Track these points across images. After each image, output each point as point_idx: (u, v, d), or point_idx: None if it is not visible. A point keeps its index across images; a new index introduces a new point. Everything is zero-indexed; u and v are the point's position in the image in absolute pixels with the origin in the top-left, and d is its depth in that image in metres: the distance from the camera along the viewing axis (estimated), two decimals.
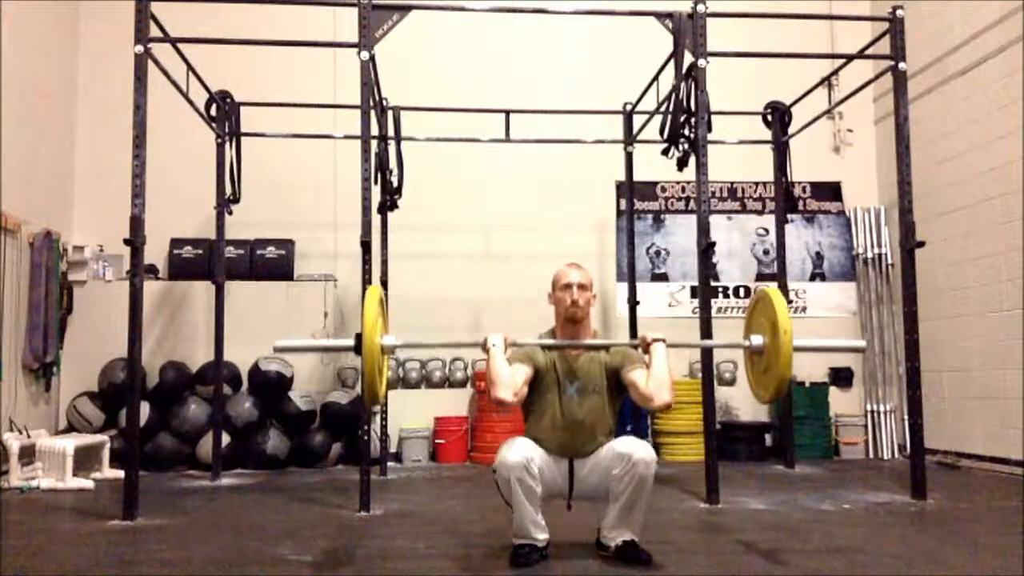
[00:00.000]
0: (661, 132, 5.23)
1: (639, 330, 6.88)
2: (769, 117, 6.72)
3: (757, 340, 3.32)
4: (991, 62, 6.36)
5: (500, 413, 6.99)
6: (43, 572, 3.38)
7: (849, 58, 6.02)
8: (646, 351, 3.32)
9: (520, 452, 3.19)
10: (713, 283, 7.61)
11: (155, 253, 6.97)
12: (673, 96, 5.12)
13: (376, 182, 5.96)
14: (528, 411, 3.44)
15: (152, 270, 7.22)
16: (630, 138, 6.93)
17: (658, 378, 3.21)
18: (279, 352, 3.14)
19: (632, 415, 6.77)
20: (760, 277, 7.99)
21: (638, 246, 7.47)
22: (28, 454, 5.70)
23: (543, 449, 3.32)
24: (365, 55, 4.75)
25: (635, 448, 3.21)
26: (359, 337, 3.07)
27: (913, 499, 4.90)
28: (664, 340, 3.29)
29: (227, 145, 6.33)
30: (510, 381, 3.20)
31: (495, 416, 7.08)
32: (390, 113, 6.42)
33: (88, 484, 5.67)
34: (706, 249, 4.85)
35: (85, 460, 6.04)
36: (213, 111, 6.20)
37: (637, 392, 3.27)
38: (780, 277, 6.68)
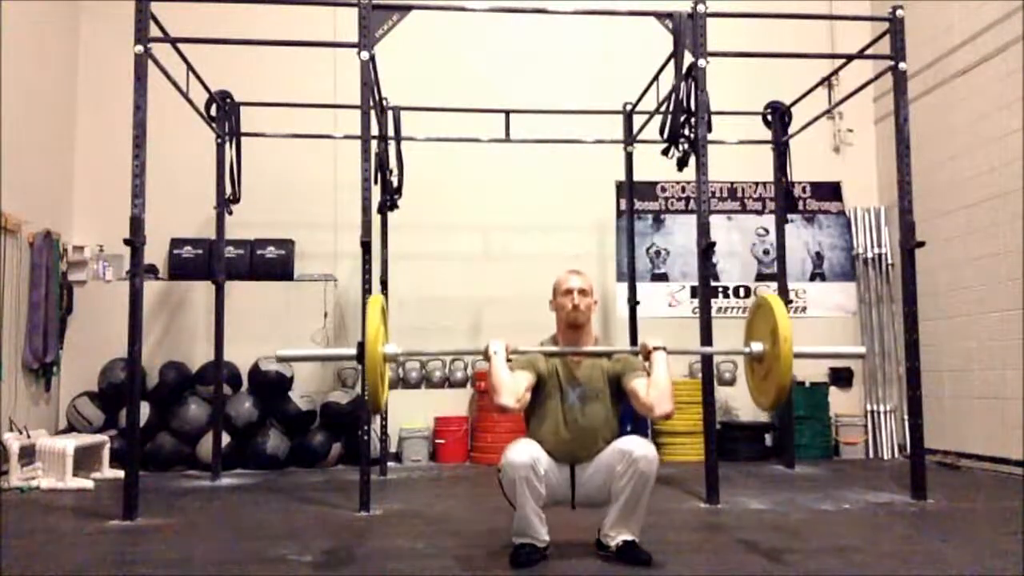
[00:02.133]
0: (661, 132, 5.23)
1: (639, 330, 6.89)
2: (769, 117, 6.72)
3: (757, 347, 3.33)
4: (991, 62, 6.36)
5: (500, 413, 6.99)
6: (43, 572, 3.37)
7: (849, 58, 6.02)
8: (647, 359, 3.32)
9: (527, 452, 3.19)
10: (713, 283, 7.61)
11: (155, 253, 6.97)
12: (673, 96, 5.12)
13: (376, 182, 5.96)
14: (530, 417, 3.44)
15: (152, 270, 7.21)
16: (630, 138, 6.93)
17: (659, 387, 3.21)
18: (282, 361, 3.17)
19: (632, 416, 6.76)
20: (760, 277, 7.99)
21: (638, 246, 7.47)
22: (28, 454, 5.70)
23: (546, 453, 3.33)
24: (365, 55, 4.75)
25: (637, 445, 3.22)
26: (361, 346, 3.10)
27: (913, 499, 4.90)
28: (664, 348, 3.30)
29: (227, 145, 6.33)
30: (512, 387, 3.20)
31: (495, 416, 7.07)
32: (390, 113, 6.43)
33: (88, 484, 5.67)
34: (706, 249, 4.85)
35: (85, 460, 6.04)
36: (213, 111, 6.20)
37: (638, 401, 3.27)
38: (780, 277, 6.69)
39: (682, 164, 5.17)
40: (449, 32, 7.69)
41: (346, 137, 6.78)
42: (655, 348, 3.29)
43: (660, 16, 5.03)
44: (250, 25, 6.67)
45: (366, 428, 4.73)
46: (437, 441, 7.28)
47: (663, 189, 8.01)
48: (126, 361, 4.91)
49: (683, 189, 7.97)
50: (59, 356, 6.84)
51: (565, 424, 3.35)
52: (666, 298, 7.90)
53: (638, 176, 7.10)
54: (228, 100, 6.30)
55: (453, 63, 7.86)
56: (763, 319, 3.33)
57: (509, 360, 3.28)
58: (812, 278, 8.03)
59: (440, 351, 3.14)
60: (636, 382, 3.30)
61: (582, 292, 3.41)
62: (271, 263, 7.34)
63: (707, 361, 5.04)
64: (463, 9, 5.74)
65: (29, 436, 5.86)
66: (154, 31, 4.78)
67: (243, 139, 6.48)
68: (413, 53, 7.26)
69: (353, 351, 3.17)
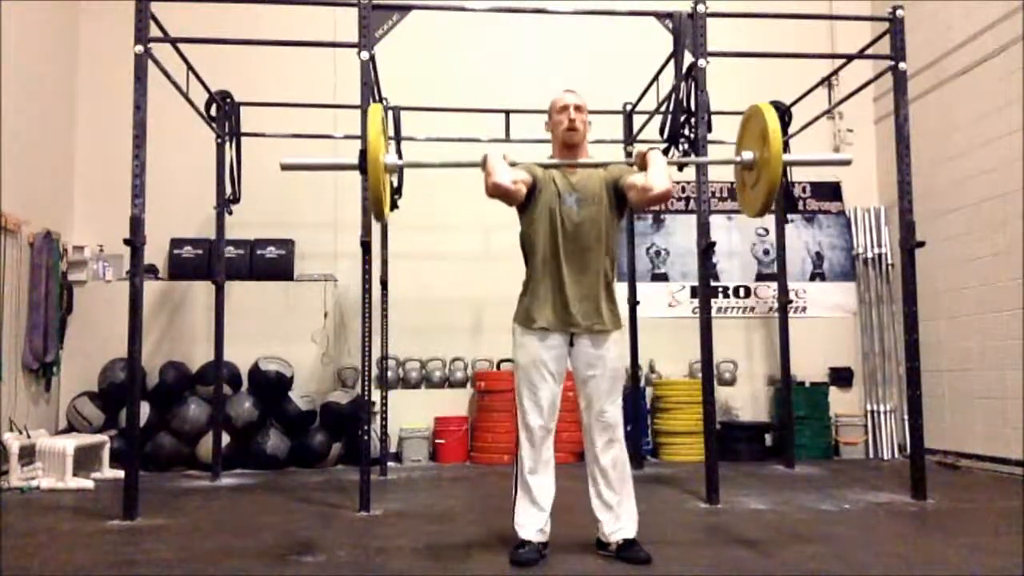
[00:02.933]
0: (661, 132, 5.23)
1: (639, 331, 6.88)
2: None
3: (748, 155, 3.37)
4: (991, 62, 6.36)
5: (499, 413, 7.01)
6: (43, 572, 3.38)
7: (849, 58, 6.02)
8: (643, 168, 3.35)
9: (537, 412, 3.30)
10: (713, 283, 7.61)
11: (155, 253, 6.97)
12: (673, 96, 5.12)
13: None
14: (526, 239, 3.46)
15: (152, 270, 7.21)
16: (630, 138, 6.92)
17: (656, 170, 3.26)
18: (286, 169, 3.23)
19: (632, 416, 6.77)
20: (760, 277, 7.99)
21: (638, 246, 7.47)
22: (28, 454, 5.70)
23: (543, 332, 3.33)
24: (365, 55, 4.75)
25: (604, 409, 3.33)
26: (363, 155, 3.14)
27: (913, 499, 4.90)
28: (659, 150, 3.41)
29: (227, 145, 6.33)
30: (507, 171, 3.26)
31: (495, 416, 7.08)
32: (390, 113, 6.42)
33: (88, 484, 5.67)
34: (706, 249, 4.84)
35: (85, 460, 6.04)
36: (213, 111, 6.20)
37: (636, 190, 3.31)
38: (780, 277, 6.69)
39: (682, 164, 5.16)
40: (449, 32, 7.69)
41: (346, 137, 6.78)
42: (650, 150, 3.37)
43: (660, 16, 5.03)
44: (250, 25, 6.68)
45: (366, 428, 4.73)
46: (437, 441, 7.28)
47: None
48: (126, 361, 4.91)
49: (683, 189, 7.97)
50: (59, 356, 6.84)
51: (562, 227, 3.37)
52: (666, 298, 7.90)
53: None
54: (228, 100, 6.29)
55: (453, 63, 7.86)
56: (754, 125, 3.36)
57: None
58: (812, 278, 8.03)
59: (440, 162, 3.09)
60: (633, 176, 3.36)
61: (578, 108, 3.44)
62: (271, 263, 7.34)
63: (707, 361, 5.03)
64: (463, 9, 5.74)
65: (29, 436, 5.86)
66: (154, 31, 4.78)
67: (243, 139, 6.47)
68: (413, 53, 7.26)
69: (356, 161, 3.22)
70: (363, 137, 3.21)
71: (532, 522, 3.28)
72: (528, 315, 3.40)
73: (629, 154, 6.96)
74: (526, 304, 3.43)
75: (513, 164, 3.36)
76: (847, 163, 3.55)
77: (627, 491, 3.35)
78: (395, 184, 6.53)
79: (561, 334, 3.36)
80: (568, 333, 3.37)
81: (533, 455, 3.35)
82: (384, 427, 6.51)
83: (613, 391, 3.38)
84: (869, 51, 5.70)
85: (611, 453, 3.34)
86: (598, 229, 3.38)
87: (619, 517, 3.33)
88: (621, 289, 7.53)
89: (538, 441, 3.35)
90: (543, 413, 3.33)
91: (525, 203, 3.39)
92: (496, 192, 3.25)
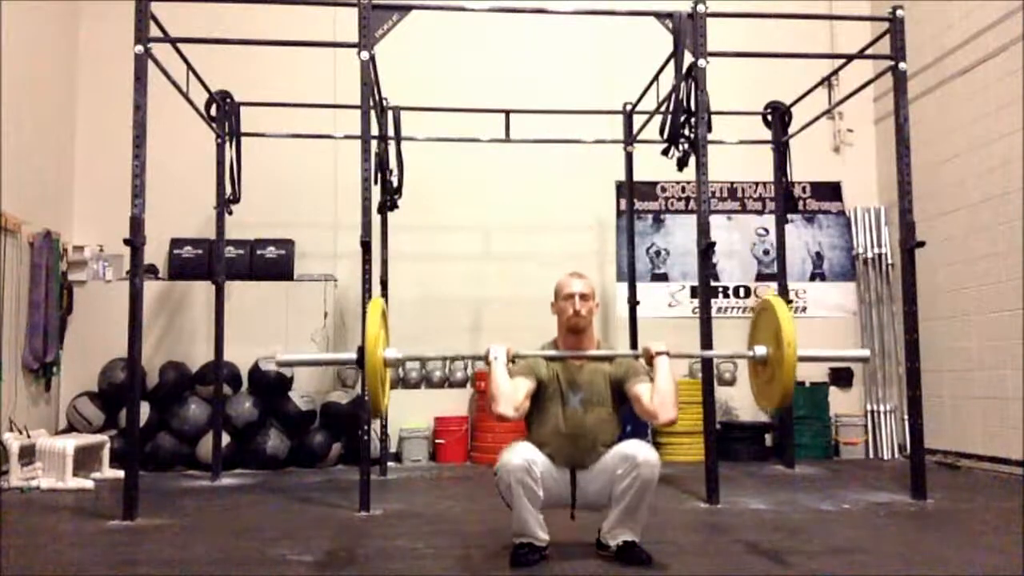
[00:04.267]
0: (661, 132, 5.23)
1: (639, 331, 6.89)
2: (769, 117, 6.71)
3: (761, 351, 3.32)
4: (991, 62, 6.36)
5: (499, 422, 7.02)
6: (43, 572, 3.38)
7: (849, 58, 6.02)
8: (649, 363, 3.32)
9: (522, 455, 3.18)
10: (713, 283, 7.61)
11: (155, 253, 6.97)
12: (673, 96, 5.12)
13: (376, 182, 5.96)
14: (531, 421, 3.43)
15: (152, 270, 7.21)
16: (630, 138, 6.92)
17: (662, 394, 3.20)
18: (282, 367, 3.17)
19: (631, 417, 6.76)
20: (760, 277, 7.99)
21: (638, 246, 7.47)
22: (28, 454, 5.70)
23: (546, 456, 3.31)
24: (365, 55, 4.75)
25: (639, 450, 3.21)
26: (361, 351, 3.07)
27: (913, 499, 4.90)
28: (667, 352, 3.28)
29: (227, 145, 6.32)
30: (511, 396, 3.19)
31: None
32: (390, 113, 6.42)
33: (88, 484, 5.67)
34: (706, 249, 4.85)
35: (85, 460, 6.04)
36: (213, 111, 6.20)
37: (641, 407, 3.27)
38: (780, 277, 6.69)
39: (682, 164, 5.16)
40: (449, 32, 7.69)
41: (346, 137, 6.78)
42: (658, 353, 3.27)
43: (660, 16, 5.03)
44: (250, 25, 6.68)
45: (366, 428, 4.72)
46: (437, 441, 7.28)
47: (663, 189, 8.01)
48: (126, 361, 4.91)
49: (683, 189, 7.97)
50: (59, 356, 6.84)
51: (566, 428, 3.34)
52: (666, 298, 7.90)
53: (638, 176, 7.10)
54: (228, 100, 6.29)
55: (453, 63, 7.86)
56: (767, 322, 3.33)
57: (511, 363, 3.26)
58: (812, 278, 8.03)
59: (440, 355, 3.15)
60: (639, 387, 3.29)
61: (583, 297, 3.39)
62: (271, 263, 7.33)
63: (707, 362, 5.04)
64: (463, 9, 5.74)
65: (29, 436, 5.86)
66: (154, 31, 4.78)
67: (243, 139, 6.47)
68: (413, 53, 7.26)
69: (353, 355, 3.14)
70: (363, 332, 3.14)
71: (533, 523, 3.26)
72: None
73: (630, 155, 6.97)
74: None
75: (518, 356, 3.29)
76: (865, 360, 3.55)
77: (644, 507, 3.29)
78: (396, 184, 6.53)
79: (564, 468, 3.35)
80: (570, 469, 3.36)
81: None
82: (384, 427, 6.51)
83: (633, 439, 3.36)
84: (869, 51, 5.70)
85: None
86: (601, 428, 3.37)
87: (624, 521, 3.31)
88: (621, 289, 7.61)
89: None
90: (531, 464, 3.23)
91: (531, 407, 3.33)
92: (500, 421, 3.24)
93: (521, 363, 3.33)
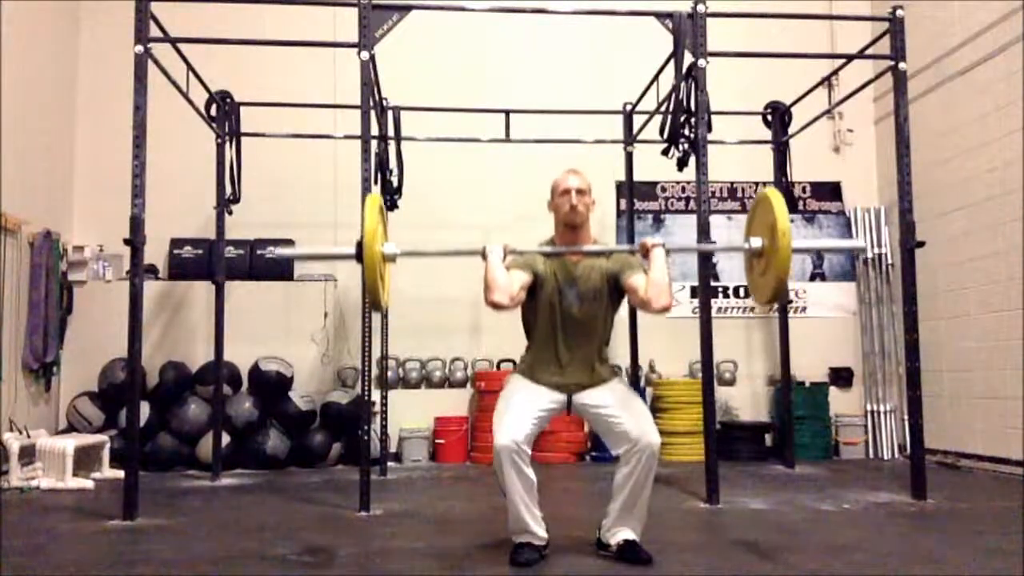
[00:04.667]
0: (661, 132, 5.23)
1: (639, 330, 6.89)
2: (769, 117, 6.72)
3: (756, 242, 3.36)
4: (991, 62, 6.36)
5: (494, 310, 7.03)
6: (43, 572, 3.38)
7: (849, 58, 6.02)
8: (645, 256, 3.34)
9: (508, 432, 3.14)
10: (713, 283, 7.61)
11: (155, 253, 6.97)
12: (673, 96, 5.12)
13: (376, 182, 5.96)
14: (528, 323, 3.46)
15: (152, 270, 7.21)
16: (630, 138, 6.93)
17: (657, 283, 3.23)
18: (281, 258, 3.25)
19: None
20: None
21: None
22: (28, 454, 5.70)
23: (541, 385, 3.32)
24: (365, 55, 4.75)
25: (643, 431, 3.19)
26: (360, 245, 3.10)
27: (913, 499, 4.90)
28: (663, 245, 3.33)
29: (227, 145, 6.33)
30: (506, 286, 3.22)
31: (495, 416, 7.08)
32: (390, 113, 6.42)
33: (88, 484, 5.67)
34: None
35: (85, 460, 6.04)
36: (213, 111, 6.20)
37: (636, 297, 3.30)
38: None
39: (682, 164, 5.17)
40: (449, 32, 7.69)
41: (346, 137, 6.77)
42: (653, 245, 3.32)
43: (660, 16, 5.03)
44: (250, 25, 6.68)
45: (366, 428, 4.73)
46: (437, 441, 7.28)
47: (663, 189, 8.01)
48: (126, 361, 4.91)
49: (683, 189, 7.97)
50: (59, 356, 6.84)
51: (562, 322, 3.36)
52: None
53: (638, 176, 7.10)
54: (228, 100, 6.29)
55: (453, 63, 7.85)
56: (763, 214, 3.33)
57: (507, 258, 3.30)
58: (812, 278, 8.03)
59: (440, 250, 3.18)
60: (635, 279, 3.32)
61: (580, 192, 3.42)
62: (271, 263, 7.32)
63: (707, 361, 5.03)
64: (463, 9, 5.74)
65: (29, 436, 5.86)
66: (154, 31, 4.77)
67: (243, 139, 6.47)
68: (413, 53, 7.26)
69: (352, 249, 3.15)
70: (361, 225, 3.18)
71: (528, 517, 3.24)
72: (531, 372, 3.41)
73: (630, 155, 6.98)
74: (528, 362, 3.46)
75: (514, 252, 3.32)
76: (861, 249, 3.59)
77: (643, 500, 3.29)
78: (396, 184, 6.53)
79: (560, 392, 3.37)
80: (566, 393, 3.37)
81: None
82: (384, 427, 6.51)
83: (636, 407, 3.34)
84: (869, 51, 5.70)
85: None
86: (596, 323, 3.40)
87: (625, 517, 3.31)
88: None
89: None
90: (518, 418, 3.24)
91: (527, 305, 3.38)
92: (495, 309, 3.26)
93: (518, 258, 3.36)
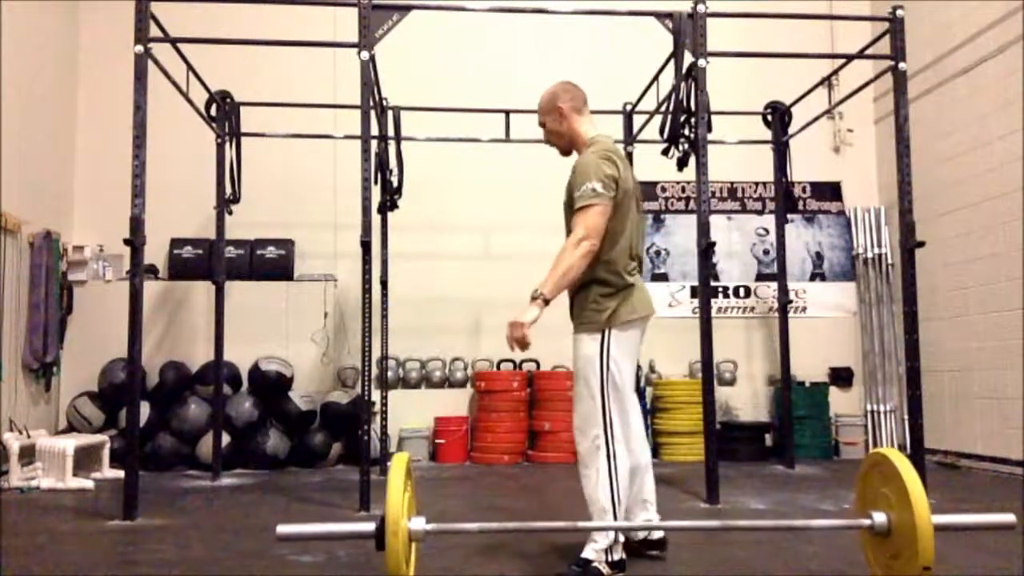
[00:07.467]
0: (661, 132, 5.23)
1: None
2: (769, 117, 6.71)
3: (880, 517, 2.58)
4: (991, 62, 6.36)
5: (499, 413, 7.07)
6: (43, 572, 3.37)
7: (849, 58, 6.02)
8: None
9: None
10: (713, 283, 7.61)
11: (155, 253, 6.97)
12: (673, 96, 5.11)
13: (376, 182, 5.96)
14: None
15: (152, 270, 7.22)
16: (630, 138, 6.92)
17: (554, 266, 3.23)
18: (284, 540, 2.53)
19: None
20: (760, 277, 7.99)
21: None
22: (28, 454, 5.70)
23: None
24: (365, 55, 4.75)
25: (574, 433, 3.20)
26: (381, 529, 2.50)
27: None
28: (541, 296, 3.18)
29: (227, 145, 6.33)
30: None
31: (495, 416, 7.10)
32: (390, 113, 6.43)
33: (88, 484, 5.67)
34: (706, 249, 4.84)
35: (85, 460, 6.04)
36: (213, 111, 6.20)
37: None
38: (780, 277, 6.69)
39: (682, 164, 5.16)
40: (449, 32, 7.69)
41: (346, 137, 6.78)
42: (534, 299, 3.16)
43: (660, 16, 5.03)
44: (250, 25, 6.68)
45: (366, 428, 4.72)
46: (437, 441, 7.28)
47: (663, 189, 8.01)
48: (126, 361, 4.91)
49: (683, 189, 7.97)
50: (59, 356, 6.84)
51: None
52: (666, 298, 7.90)
53: (638, 176, 7.00)
54: (228, 100, 6.29)
55: (453, 63, 7.86)
56: (883, 481, 2.64)
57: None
58: (812, 278, 8.03)
59: (480, 527, 2.66)
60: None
61: (543, 127, 3.57)
62: (271, 263, 7.34)
63: (707, 361, 5.03)
64: (463, 9, 5.74)
65: (29, 436, 5.86)
66: (154, 31, 4.78)
67: (243, 139, 6.47)
68: (413, 53, 7.27)
69: (371, 527, 2.55)
70: (388, 498, 2.56)
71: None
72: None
73: (630, 155, 6.97)
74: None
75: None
76: (1011, 526, 2.54)
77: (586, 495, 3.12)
78: (396, 184, 6.53)
79: None
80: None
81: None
82: (384, 427, 6.51)
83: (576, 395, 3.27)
84: (869, 51, 5.69)
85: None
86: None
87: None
88: None
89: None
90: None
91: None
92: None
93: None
